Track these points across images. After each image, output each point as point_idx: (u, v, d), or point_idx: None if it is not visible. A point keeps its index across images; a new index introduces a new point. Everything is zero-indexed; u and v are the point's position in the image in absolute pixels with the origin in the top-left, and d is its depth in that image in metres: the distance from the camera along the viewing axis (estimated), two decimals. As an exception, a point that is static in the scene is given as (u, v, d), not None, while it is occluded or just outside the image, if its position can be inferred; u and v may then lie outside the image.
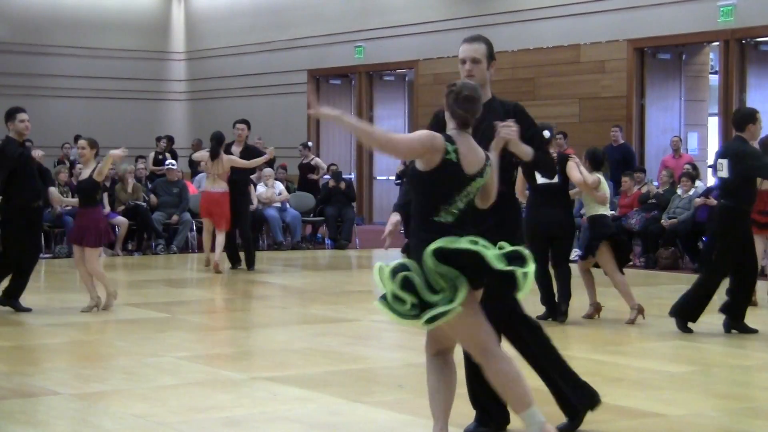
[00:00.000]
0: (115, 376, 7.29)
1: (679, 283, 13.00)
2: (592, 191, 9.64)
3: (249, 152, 14.27)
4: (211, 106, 26.01)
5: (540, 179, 8.77)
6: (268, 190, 17.88)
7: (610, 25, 18.05)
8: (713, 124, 17.88)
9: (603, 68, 18.23)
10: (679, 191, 15.14)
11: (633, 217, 15.35)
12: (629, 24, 17.79)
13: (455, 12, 20.47)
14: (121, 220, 16.58)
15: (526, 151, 5.39)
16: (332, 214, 18.17)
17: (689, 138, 17.98)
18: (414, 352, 8.00)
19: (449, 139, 4.91)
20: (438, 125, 5.17)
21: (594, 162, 9.88)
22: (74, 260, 10.40)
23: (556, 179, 9.11)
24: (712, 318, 9.44)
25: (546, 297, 9.76)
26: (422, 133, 4.95)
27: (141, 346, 8.48)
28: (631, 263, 14.92)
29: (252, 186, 17.94)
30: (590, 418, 6.15)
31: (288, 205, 18.07)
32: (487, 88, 5.51)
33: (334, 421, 6.14)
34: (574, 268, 10.00)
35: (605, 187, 9.93)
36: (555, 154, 9.14)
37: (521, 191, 9.52)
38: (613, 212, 15.83)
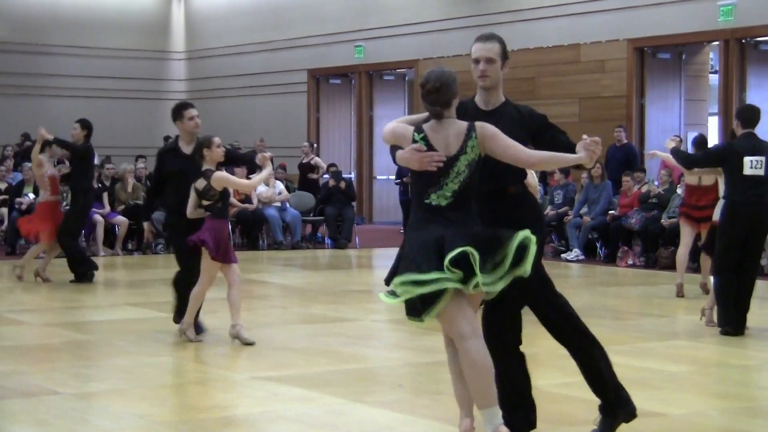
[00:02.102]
0: (115, 376, 7.28)
1: (679, 283, 13.01)
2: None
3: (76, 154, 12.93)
4: (211, 106, 26.01)
5: None
6: (268, 189, 17.88)
7: (610, 24, 18.05)
8: (713, 123, 17.88)
9: (603, 68, 18.24)
10: (679, 191, 15.14)
11: (633, 217, 15.35)
12: (629, 24, 17.80)
13: (455, 12, 20.47)
14: (121, 220, 16.58)
15: (575, 159, 5.13)
16: (332, 214, 18.17)
17: (689, 138, 17.97)
18: (414, 352, 8.00)
19: (419, 129, 4.98)
20: (459, 116, 5.15)
21: None
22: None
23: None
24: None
25: None
26: (398, 123, 5.08)
27: (141, 346, 8.48)
28: (632, 263, 15.02)
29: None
30: (590, 418, 6.14)
31: (288, 205, 18.08)
32: (499, 90, 5.33)
33: (334, 421, 6.13)
34: None
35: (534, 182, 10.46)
36: None
37: (534, 188, 9.77)
38: (613, 212, 15.86)
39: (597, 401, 6.57)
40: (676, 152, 9.79)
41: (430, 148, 4.90)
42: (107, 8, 25.74)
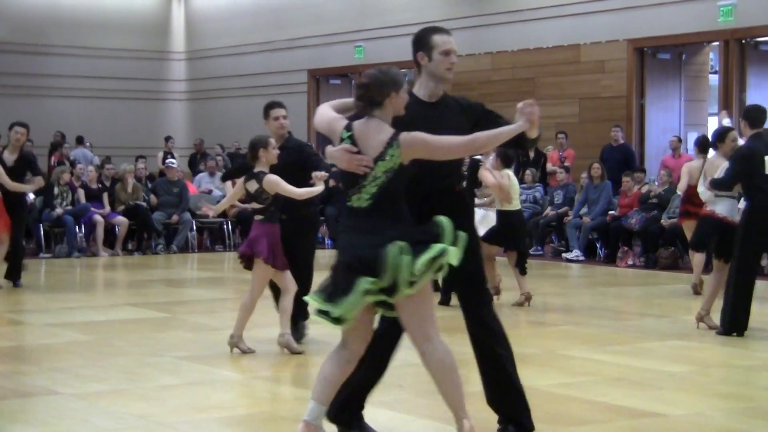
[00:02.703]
0: (115, 376, 7.28)
1: (679, 283, 13.01)
2: (503, 192, 10.22)
3: (25, 160, 12.26)
4: (211, 106, 26.02)
5: None
6: (268, 190, 17.89)
7: (610, 25, 18.05)
8: (713, 124, 17.87)
9: (603, 68, 18.24)
10: (679, 191, 15.13)
11: (633, 217, 15.35)
12: (629, 24, 17.79)
13: (455, 12, 20.47)
14: (121, 220, 16.59)
15: (516, 128, 5.09)
16: (332, 214, 18.17)
17: (689, 138, 17.97)
18: (414, 351, 8.00)
19: (348, 126, 5.00)
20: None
21: (505, 160, 10.58)
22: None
23: (464, 184, 9.40)
24: (712, 318, 9.43)
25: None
26: (332, 114, 5.15)
27: (141, 346, 8.48)
28: (632, 264, 15.02)
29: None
30: (590, 418, 6.15)
31: (288, 205, 18.06)
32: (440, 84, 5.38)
33: (334, 421, 6.13)
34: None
35: (515, 185, 10.81)
36: (468, 160, 9.55)
37: (508, 197, 10.06)
38: (613, 212, 15.86)
39: (597, 401, 6.58)
40: (715, 184, 9.46)
41: (356, 146, 4.93)
42: (107, 8, 25.73)
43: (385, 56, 21.91)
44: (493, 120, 5.33)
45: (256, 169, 7.94)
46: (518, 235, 10.84)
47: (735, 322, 8.99)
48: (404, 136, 4.91)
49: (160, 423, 5.97)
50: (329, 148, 5.04)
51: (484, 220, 11.44)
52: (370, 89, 4.95)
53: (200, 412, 6.28)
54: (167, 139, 22.38)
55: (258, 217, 8.04)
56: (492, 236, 10.73)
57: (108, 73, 25.38)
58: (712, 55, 18.41)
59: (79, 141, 22.23)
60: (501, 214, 10.77)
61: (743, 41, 16.68)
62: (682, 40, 17.54)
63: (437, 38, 5.32)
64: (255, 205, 8.03)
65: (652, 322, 9.93)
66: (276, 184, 7.86)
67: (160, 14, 26.71)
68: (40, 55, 24.78)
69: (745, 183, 9.15)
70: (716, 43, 17.26)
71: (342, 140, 4.97)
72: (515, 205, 10.72)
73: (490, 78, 19.86)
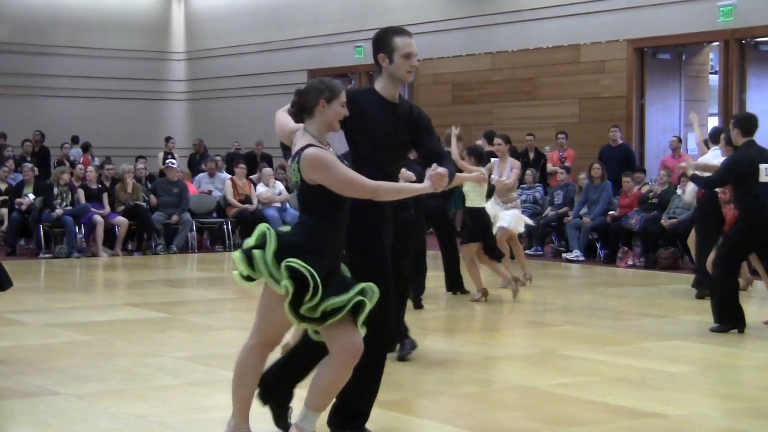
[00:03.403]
0: (115, 376, 7.28)
1: (679, 283, 13.01)
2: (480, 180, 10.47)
3: None
4: (211, 106, 26.03)
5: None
6: (269, 190, 17.89)
7: (610, 25, 18.06)
8: (713, 124, 17.87)
9: (603, 68, 18.24)
10: (678, 191, 15.13)
11: (633, 217, 15.34)
12: (629, 24, 17.80)
13: (455, 12, 20.48)
14: (121, 220, 16.58)
15: (420, 188, 5.11)
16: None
17: (689, 138, 17.98)
18: (414, 351, 7.99)
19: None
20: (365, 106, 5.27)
21: (478, 158, 10.99)
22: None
23: None
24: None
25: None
26: (290, 125, 5.18)
27: (141, 346, 8.48)
28: (632, 264, 15.01)
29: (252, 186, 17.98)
30: (590, 418, 6.15)
31: (288, 205, 18.07)
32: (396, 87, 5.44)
33: (334, 421, 6.12)
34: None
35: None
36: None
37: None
38: (613, 212, 15.86)
39: (597, 401, 6.58)
40: (696, 179, 9.80)
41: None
42: (107, 9, 25.74)
43: (385, 56, 21.93)
44: (428, 138, 5.38)
45: None
46: (486, 229, 11.14)
47: (725, 317, 9.15)
48: (307, 153, 4.84)
49: (160, 423, 5.97)
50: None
51: (514, 218, 11.78)
52: (302, 95, 4.96)
53: (200, 412, 6.28)
54: (167, 139, 22.38)
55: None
56: (466, 236, 11.15)
57: (108, 74, 25.39)
58: (712, 56, 18.42)
59: (75, 141, 22.23)
60: (469, 211, 11.17)
61: (743, 41, 16.68)
62: (682, 40, 17.55)
63: (398, 40, 5.33)
64: None
65: (652, 322, 9.93)
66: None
67: (160, 14, 26.71)
68: (40, 55, 24.79)
69: (738, 191, 9.26)
70: (716, 43, 17.27)
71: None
72: (482, 202, 11.12)
73: (490, 78, 19.86)
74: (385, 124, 5.19)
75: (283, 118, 5.25)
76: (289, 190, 18.71)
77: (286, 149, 5.38)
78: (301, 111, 4.96)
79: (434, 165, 4.99)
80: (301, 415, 5.05)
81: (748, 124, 9.21)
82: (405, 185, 5.10)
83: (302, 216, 4.99)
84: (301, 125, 5.08)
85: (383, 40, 5.35)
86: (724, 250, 9.25)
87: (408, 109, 5.42)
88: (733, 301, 9.17)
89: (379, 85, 5.38)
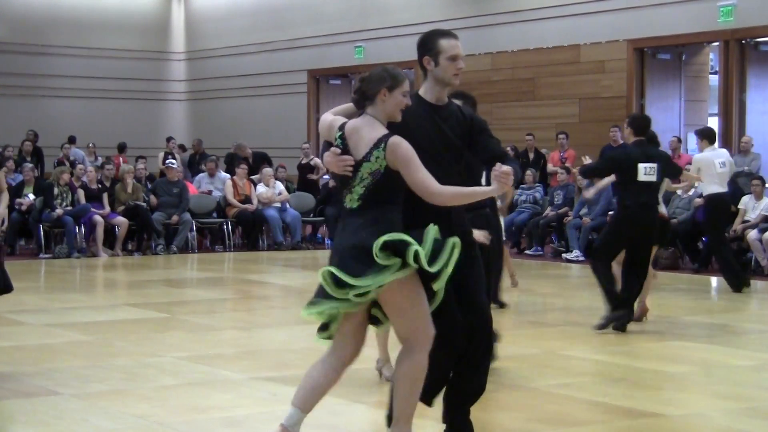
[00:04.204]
0: (115, 376, 7.28)
1: (679, 283, 13.01)
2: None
3: None
4: (211, 106, 26.02)
5: None
6: (269, 190, 17.89)
7: (610, 25, 18.05)
8: (713, 124, 17.87)
9: (603, 68, 18.24)
10: (678, 192, 15.13)
11: (633, 217, 15.33)
12: (629, 24, 17.80)
13: (455, 12, 20.47)
14: (121, 220, 16.59)
15: (486, 192, 5.04)
16: (332, 214, 18.16)
17: (689, 138, 17.98)
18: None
19: (342, 126, 4.90)
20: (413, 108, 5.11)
21: None
22: None
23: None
24: (711, 318, 9.45)
25: None
26: (332, 116, 5.02)
27: (141, 346, 8.48)
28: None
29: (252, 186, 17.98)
30: (590, 418, 6.15)
31: (288, 206, 18.08)
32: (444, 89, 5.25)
33: (334, 421, 6.13)
34: None
35: None
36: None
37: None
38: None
39: (597, 401, 6.58)
40: (581, 170, 10.28)
41: (346, 146, 4.84)
42: (107, 9, 25.74)
43: (385, 56, 21.92)
44: (485, 139, 5.25)
45: None
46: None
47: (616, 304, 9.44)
48: (393, 140, 4.77)
49: (160, 423, 5.97)
50: (325, 154, 4.97)
51: None
52: (365, 82, 4.89)
53: (200, 413, 6.28)
54: (168, 139, 22.38)
55: None
56: None
57: (108, 74, 25.39)
58: (712, 56, 18.41)
59: (71, 140, 22.21)
60: None
61: (743, 41, 16.68)
62: (682, 40, 17.55)
63: (444, 43, 5.15)
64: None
65: (653, 322, 9.92)
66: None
67: (160, 14, 26.71)
68: (40, 55, 24.79)
69: (619, 188, 9.77)
70: (716, 44, 17.26)
71: (336, 139, 4.90)
72: None
73: (490, 78, 19.86)
74: (428, 129, 5.03)
75: (327, 116, 5.10)
76: (288, 190, 18.71)
77: (326, 146, 5.22)
78: (363, 98, 4.87)
79: (497, 164, 4.87)
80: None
81: (640, 124, 9.64)
82: (471, 189, 4.99)
83: (382, 209, 4.78)
84: (337, 117, 4.99)
85: (428, 43, 5.18)
86: (602, 244, 9.76)
87: (457, 112, 5.25)
88: (611, 291, 9.47)
89: (424, 89, 5.21)
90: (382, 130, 4.82)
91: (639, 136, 9.51)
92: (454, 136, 5.12)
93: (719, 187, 12.52)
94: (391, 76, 4.86)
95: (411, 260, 4.64)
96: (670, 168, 9.91)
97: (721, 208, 12.84)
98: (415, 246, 4.65)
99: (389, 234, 4.69)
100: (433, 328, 4.84)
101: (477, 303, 5.15)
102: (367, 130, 4.83)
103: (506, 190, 4.99)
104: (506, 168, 4.81)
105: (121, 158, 21.15)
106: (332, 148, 4.87)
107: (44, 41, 24.80)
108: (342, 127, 4.90)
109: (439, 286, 4.77)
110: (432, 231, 4.76)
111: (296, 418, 4.97)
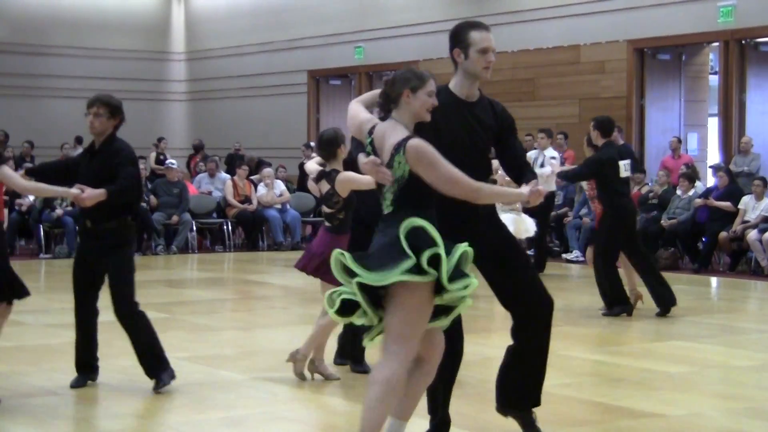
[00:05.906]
0: (115, 376, 7.28)
1: (679, 284, 13.01)
2: None
3: None
4: (211, 106, 26.02)
5: None
6: (269, 192, 17.89)
7: (610, 25, 18.05)
8: (713, 124, 17.88)
9: (603, 68, 18.24)
10: (678, 192, 15.14)
11: (633, 218, 15.34)
12: (629, 24, 17.80)
13: (455, 12, 20.46)
14: (121, 221, 16.58)
15: (516, 194, 5.01)
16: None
17: (689, 138, 17.98)
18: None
19: (371, 131, 4.81)
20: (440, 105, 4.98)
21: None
22: None
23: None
24: (711, 318, 9.45)
25: None
26: (361, 114, 4.94)
27: (141, 347, 8.46)
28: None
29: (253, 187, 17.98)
30: (590, 418, 6.16)
31: (288, 206, 18.09)
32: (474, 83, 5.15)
33: (334, 421, 6.14)
34: None
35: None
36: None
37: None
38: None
39: (597, 401, 6.58)
40: (564, 175, 10.99)
41: (376, 153, 4.75)
42: (107, 9, 25.73)
43: (385, 57, 21.95)
44: (511, 139, 5.23)
45: (329, 168, 6.94)
46: None
47: (618, 300, 10.18)
48: (412, 143, 4.62)
49: (160, 423, 5.97)
50: (361, 159, 4.81)
51: (512, 222, 11.84)
52: (389, 85, 4.77)
53: (200, 412, 6.28)
54: (160, 140, 22.38)
55: (326, 224, 7.02)
56: None
57: (108, 74, 25.36)
58: (712, 56, 18.41)
59: (78, 141, 22.21)
60: None
61: (743, 42, 16.68)
62: (682, 40, 17.55)
63: (475, 34, 5.07)
64: (325, 210, 7.02)
65: (652, 322, 9.93)
66: (350, 181, 6.72)
67: (160, 14, 26.71)
68: (40, 56, 24.78)
69: (602, 188, 10.19)
70: (716, 44, 17.26)
71: (366, 145, 4.79)
72: None
73: (490, 78, 19.85)
74: (456, 124, 4.96)
75: (356, 108, 5.01)
76: (289, 190, 18.72)
77: (356, 143, 5.15)
78: (387, 101, 4.75)
79: (533, 182, 4.90)
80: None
81: (606, 126, 10.09)
82: (504, 189, 4.98)
83: (415, 212, 4.64)
84: (367, 118, 4.90)
85: (459, 35, 5.09)
86: (600, 248, 10.17)
87: (488, 106, 5.18)
88: (620, 289, 10.14)
89: (453, 83, 5.12)
90: (402, 134, 4.68)
91: (606, 137, 10.02)
92: (484, 134, 5.06)
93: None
94: (416, 76, 4.74)
95: (425, 262, 4.52)
96: (635, 163, 10.56)
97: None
98: (438, 250, 4.54)
99: (423, 221, 4.58)
100: (416, 351, 4.73)
101: (530, 279, 5.47)
102: (390, 135, 4.71)
103: (529, 205, 5.02)
104: (543, 190, 4.92)
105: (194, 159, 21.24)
106: (372, 157, 4.72)
107: (44, 41, 24.79)
108: (371, 132, 4.79)
109: (444, 301, 4.67)
110: (462, 249, 4.65)
111: (396, 426, 4.87)
